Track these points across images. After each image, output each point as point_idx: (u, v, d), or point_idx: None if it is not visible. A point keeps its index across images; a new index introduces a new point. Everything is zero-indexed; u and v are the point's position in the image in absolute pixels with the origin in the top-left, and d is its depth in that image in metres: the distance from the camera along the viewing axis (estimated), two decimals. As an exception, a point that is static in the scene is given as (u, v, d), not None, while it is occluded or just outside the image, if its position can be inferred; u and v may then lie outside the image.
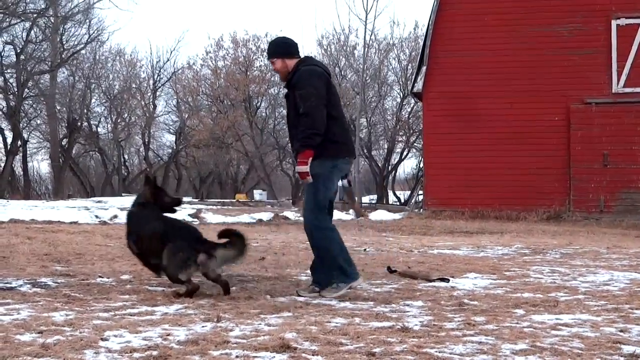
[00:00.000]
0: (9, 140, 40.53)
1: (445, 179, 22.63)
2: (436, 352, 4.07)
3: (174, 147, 49.80)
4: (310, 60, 6.58)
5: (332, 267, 6.23)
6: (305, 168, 6.08)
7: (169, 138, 51.77)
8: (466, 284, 6.95)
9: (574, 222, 20.35)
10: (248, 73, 43.48)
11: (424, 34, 25.44)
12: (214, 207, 25.18)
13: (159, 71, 48.89)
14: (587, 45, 21.95)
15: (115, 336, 4.37)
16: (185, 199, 36.36)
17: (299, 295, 6.11)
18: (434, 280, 7.04)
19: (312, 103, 6.12)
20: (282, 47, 6.53)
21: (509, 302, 5.85)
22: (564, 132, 22.00)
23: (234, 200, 34.35)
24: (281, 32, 61.84)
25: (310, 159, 6.09)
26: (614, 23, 21.83)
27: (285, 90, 6.57)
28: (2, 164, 41.81)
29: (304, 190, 6.35)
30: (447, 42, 22.78)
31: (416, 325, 4.81)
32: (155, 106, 49.30)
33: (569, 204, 21.74)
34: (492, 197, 21.79)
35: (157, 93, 49.33)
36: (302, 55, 6.58)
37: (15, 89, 38.64)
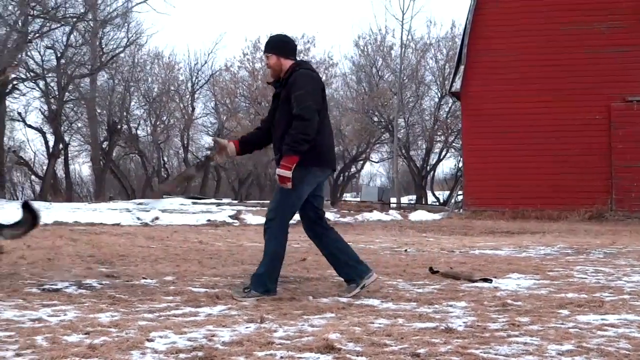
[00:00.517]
0: (51, 144, 41.00)
1: (485, 178, 22.51)
2: (481, 353, 4.05)
3: (213, 149, 50.00)
4: (307, 65, 6.47)
5: (262, 267, 6.12)
6: (288, 173, 5.89)
7: (208, 140, 51.96)
8: (509, 284, 6.90)
9: (617, 221, 20.13)
10: (286, 74, 43.56)
11: (461, 33, 25.33)
12: (254, 209, 25.23)
13: (197, 74, 49.12)
14: (626, 43, 21.71)
15: (161, 337, 4.41)
16: (224, 200, 36.54)
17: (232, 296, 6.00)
18: (476, 281, 7.00)
19: (308, 107, 5.96)
20: (280, 45, 6.35)
21: (553, 302, 5.80)
22: (604, 131, 21.78)
23: (273, 202, 34.39)
24: (318, 34, 62.09)
25: (294, 164, 5.91)
26: (656, 20, 21.58)
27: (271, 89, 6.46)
28: (45, 167, 42.32)
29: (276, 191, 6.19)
30: (485, 41, 22.67)
31: (460, 326, 4.79)
32: (193, 108, 49.53)
33: (611, 203, 21.51)
34: (532, 196, 21.63)
35: (195, 95, 49.55)
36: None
37: (56, 93, 39.07)
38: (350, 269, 6.26)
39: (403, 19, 33.01)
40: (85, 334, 4.48)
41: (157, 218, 17.41)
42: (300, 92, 5.99)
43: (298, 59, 6.41)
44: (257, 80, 44.56)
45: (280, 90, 6.20)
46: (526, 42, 22.39)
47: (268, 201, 33.91)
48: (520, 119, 22.14)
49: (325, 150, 6.19)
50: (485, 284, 6.86)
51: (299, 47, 43.32)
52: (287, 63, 6.26)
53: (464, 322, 4.91)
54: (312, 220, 6.33)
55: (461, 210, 23.80)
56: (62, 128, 41.01)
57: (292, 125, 5.94)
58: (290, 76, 6.14)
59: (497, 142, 22.38)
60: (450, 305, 5.64)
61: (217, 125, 49.12)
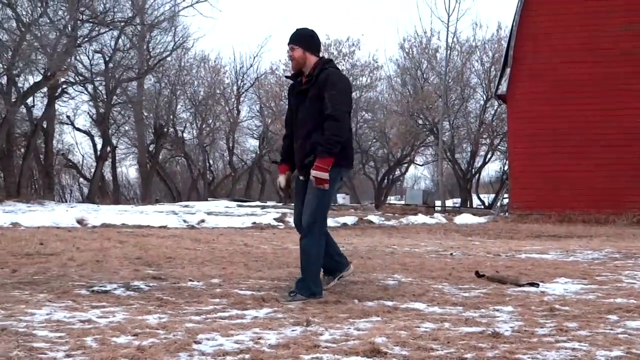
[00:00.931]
0: (99, 147, 41.52)
1: (531, 182, 22.33)
2: (529, 358, 4.02)
3: (258, 152, 50.24)
4: (335, 64, 6.40)
5: (307, 273, 6.15)
6: (326, 175, 5.93)
7: (253, 143, 52.22)
8: (556, 289, 6.83)
9: (666, 225, 19.81)
10: (330, 77, 43.60)
11: (508, 35, 25.15)
12: (298, 211, 25.30)
13: (243, 77, 49.40)
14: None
15: (208, 339, 4.44)
16: (269, 203, 36.66)
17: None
18: (523, 285, 6.94)
19: (342, 108, 5.99)
20: (308, 39, 6.31)
21: (602, 307, 5.73)
22: (654, 133, 21.47)
23: (318, 204, 34.47)
24: (363, 37, 62.02)
25: (330, 166, 5.94)
26: None
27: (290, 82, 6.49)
28: (93, 170, 42.87)
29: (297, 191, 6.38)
30: (531, 43, 22.49)
31: (507, 330, 4.76)
32: (239, 111, 49.81)
33: (659, 207, 21.17)
34: (579, 200, 21.38)
35: (241, 98, 49.85)
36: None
37: (104, 96, 39.56)
38: (335, 263, 6.56)
39: (449, 21, 32.87)
40: (134, 335, 4.53)
41: (203, 221, 17.53)
42: (334, 92, 5.99)
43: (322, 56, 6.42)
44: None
45: (308, 86, 6.16)
46: (574, 44, 22.16)
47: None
48: (567, 122, 21.92)
49: (351, 149, 6.26)
50: (532, 289, 6.80)
51: (344, 50, 43.44)
52: (312, 58, 6.25)
53: (510, 327, 4.88)
54: None
55: (507, 214, 23.61)
56: (110, 131, 41.52)
57: (325, 126, 5.95)
58: (320, 73, 6.11)
59: (544, 145, 22.17)
60: (497, 310, 5.60)
61: (262, 128, 49.34)
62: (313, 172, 5.94)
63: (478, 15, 75.10)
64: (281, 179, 6.53)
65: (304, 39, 6.28)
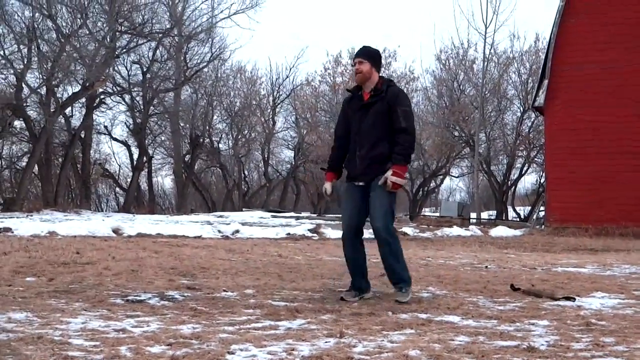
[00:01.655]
0: (135, 157, 41.90)
1: (568, 194, 22.11)
2: (564, 373, 3.98)
3: (293, 163, 50.35)
4: (395, 83, 6.89)
5: (401, 268, 6.70)
6: (403, 181, 6.55)
7: (288, 154, 52.38)
8: (593, 303, 6.75)
9: None
10: (366, 88, 43.60)
11: (545, 47, 24.99)
12: (333, 223, 25.30)
13: (278, 88, 49.58)
14: None
15: (241, 350, 4.45)
16: (303, 214, 36.70)
17: (399, 302, 6.49)
18: (559, 299, 6.87)
19: (413, 123, 6.60)
20: (376, 57, 6.81)
21: (639, 322, 5.65)
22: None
23: (352, 216, 34.41)
24: (399, 48, 62.01)
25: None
26: None
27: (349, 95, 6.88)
28: (129, 180, 43.25)
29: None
30: (570, 55, 22.31)
31: (542, 345, 4.71)
32: (274, 122, 49.99)
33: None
34: (617, 213, 21.12)
35: (277, 109, 50.02)
36: None
37: (142, 107, 39.93)
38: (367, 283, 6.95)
39: (486, 32, 32.73)
40: (168, 345, 4.55)
41: (237, 231, 17.59)
42: (406, 108, 6.58)
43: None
44: (338, 94, 44.69)
45: (375, 100, 6.59)
46: (612, 55, 21.95)
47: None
48: (606, 134, 21.70)
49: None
50: (568, 303, 6.72)
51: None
52: (375, 75, 6.71)
53: (546, 341, 4.82)
54: (360, 229, 6.85)
55: (543, 227, 23.41)
56: (146, 141, 41.88)
57: (400, 139, 6.50)
58: (387, 89, 6.60)
59: (581, 158, 21.97)
60: (532, 324, 5.55)
61: (297, 139, 49.44)
62: (392, 178, 6.46)
63: (515, 27, 74.55)
64: (327, 186, 7.07)
65: (373, 56, 6.77)
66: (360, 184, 6.69)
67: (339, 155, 6.95)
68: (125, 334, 4.88)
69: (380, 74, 6.80)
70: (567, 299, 6.88)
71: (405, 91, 6.81)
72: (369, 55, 6.74)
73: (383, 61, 37.51)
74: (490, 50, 35.57)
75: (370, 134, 6.57)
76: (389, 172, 6.47)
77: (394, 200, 6.67)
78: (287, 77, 49.44)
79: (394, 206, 6.69)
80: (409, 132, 6.51)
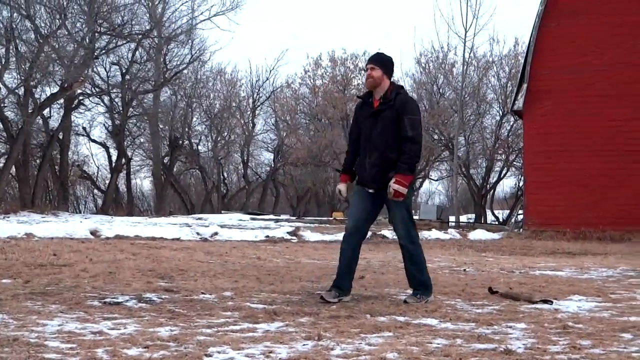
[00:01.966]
0: (114, 158, 41.72)
1: (546, 198, 22.23)
2: (541, 376, 3.99)
3: (272, 165, 50.33)
4: (405, 90, 6.91)
5: (423, 271, 6.84)
6: (405, 190, 6.55)
7: (267, 156, 52.36)
8: (570, 306, 6.79)
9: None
10: (346, 91, 43.66)
11: (525, 51, 25.12)
12: (312, 225, 25.31)
13: (258, 90, 49.56)
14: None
15: (219, 352, 4.43)
16: (282, 216, 36.68)
17: (406, 302, 6.69)
18: (536, 302, 6.90)
19: (420, 132, 6.65)
20: (387, 63, 6.87)
21: (616, 325, 5.68)
22: (670, 151, 21.33)
23: (331, 219, 34.44)
24: (379, 50, 62.05)
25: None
26: None
27: (359, 101, 7.03)
28: (107, 181, 43.04)
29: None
30: (549, 59, 22.42)
31: (519, 347, 4.72)
32: (254, 125, 49.96)
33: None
34: (594, 217, 21.24)
35: (256, 112, 49.99)
36: None
37: (121, 108, 39.78)
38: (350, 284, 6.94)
39: (466, 36, 32.81)
40: (145, 347, 4.53)
41: (216, 233, 17.54)
42: (414, 116, 6.66)
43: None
44: (318, 97, 44.73)
45: (384, 108, 6.69)
46: (590, 60, 22.09)
47: (326, 218, 33.82)
48: (584, 138, 21.83)
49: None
50: (546, 306, 6.75)
51: (360, 65, 43.49)
52: (386, 82, 6.81)
53: (523, 344, 4.84)
54: (363, 232, 6.97)
55: (521, 230, 23.52)
56: (125, 143, 41.71)
57: (407, 148, 6.59)
58: (396, 97, 6.68)
59: (559, 161, 22.08)
60: (510, 327, 5.57)
61: (277, 142, 49.42)
62: (394, 186, 6.54)
63: (495, 31, 74.80)
64: (342, 187, 7.13)
65: (385, 63, 6.87)
66: (370, 190, 6.79)
67: (353, 158, 7.05)
68: (102, 337, 4.85)
69: (390, 79, 6.90)
70: (545, 302, 6.91)
71: (412, 98, 6.90)
72: (382, 62, 6.84)
73: (363, 64, 37.71)
74: (469, 54, 35.69)
75: (380, 141, 6.68)
76: (392, 181, 6.56)
77: (409, 209, 6.81)
78: (267, 79, 49.46)
79: (410, 212, 6.84)
80: (415, 141, 6.60)
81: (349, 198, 7.26)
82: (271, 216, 36.26)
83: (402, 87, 6.92)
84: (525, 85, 22.86)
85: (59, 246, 12.28)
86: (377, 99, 6.81)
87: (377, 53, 7.02)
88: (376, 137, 6.69)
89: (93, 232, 16.15)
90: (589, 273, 10.57)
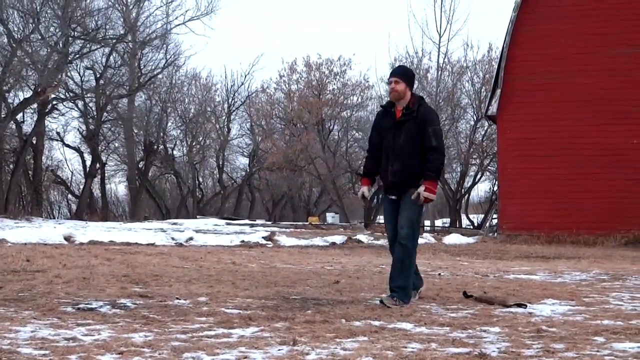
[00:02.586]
0: (88, 163, 41.45)
1: (520, 202, 22.33)
2: (515, 379, 4.01)
3: (248, 170, 50.23)
4: (425, 101, 7.36)
5: (408, 277, 7.06)
6: (434, 196, 7.07)
7: (243, 161, 52.25)
8: (544, 310, 6.83)
9: (655, 247, 19.83)
10: (321, 96, 43.64)
11: (499, 56, 25.25)
12: (287, 230, 25.29)
13: (234, 95, 49.43)
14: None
15: (193, 358, 4.43)
16: (258, 221, 36.61)
17: (382, 302, 6.88)
18: (510, 306, 6.94)
19: (442, 142, 7.12)
20: (411, 77, 7.34)
21: (589, 329, 5.73)
22: (645, 155, 21.51)
23: (307, 223, 34.43)
24: (354, 56, 62.29)
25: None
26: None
27: (382, 111, 7.43)
28: (82, 186, 42.75)
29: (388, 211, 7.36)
30: (522, 65, 22.56)
31: (494, 351, 4.75)
32: (229, 129, 49.82)
33: (648, 228, 21.18)
34: (568, 221, 21.37)
35: (232, 116, 49.88)
36: None
37: (95, 113, 39.54)
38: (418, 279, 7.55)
39: (440, 42, 32.97)
40: (119, 353, 4.51)
41: (191, 238, 17.47)
42: (437, 127, 7.12)
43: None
44: (293, 102, 44.70)
45: (407, 119, 7.08)
46: (564, 66, 22.23)
47: (301, 222, 33.66)
48: (557, 143, 21.96)
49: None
50: (520, 310, 6.80)
51: (335, 70, 43.56)
52: (409, 94, 7.18)
53: (497, 348, 4.87)
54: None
55: (496, 234, 23.62)
56: (100, 148, 41.47)
57: (432, 157, 6.99)
58: (419, 108, 7.08)
59: (533, 166, 22.20)
60: (484, 331, 5.60)
61: (252, 146, 49.35)
62: (424, 193, 6.97)
63: (469, 36, 75.12)
64: (365, 190, 7.60)
65: (408, 76, 7.29)
66: (393, 197, 7.23)
67: (373, 163, 7.46)
68: (75, 343, 4.82)
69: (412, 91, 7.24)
70: (519, 305, 6.95)
71: (433, 109, 7.35)
72: (405, 76, 7.24)
73: (338, 69, 37.61)
74: (444, 59, 35.87)
75: (403, 151, 7.07)
76: (422, 188, 6.96)
77: (420, 213, 7.26)
78: (242, 84, 49.35)
79: (419, 218, 7.33)
80: (440, 151, 7.03)
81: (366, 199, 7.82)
82: (247, 221, 36.18)
83: (422, 98, 7.33)
84: (499, 91, 22.96)
85: (33, 252, 12.19)
86: (399, 109, 7.18)
87: (400, 66, 7.56)
88: (399, 147, 7.09)
89: (67, 238, 16.04)
90: (563, 277, 10.64)
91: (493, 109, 23.19)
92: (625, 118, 21.58)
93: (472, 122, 41.14)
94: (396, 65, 7.29)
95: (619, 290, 8.58)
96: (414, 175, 7.05)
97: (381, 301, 6.92)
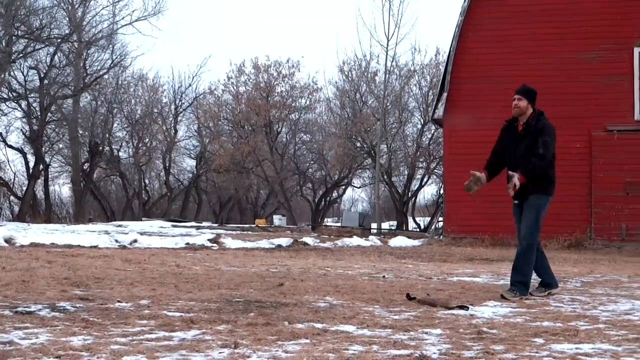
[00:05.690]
0: (32, 164, 40.84)
1: (465, 205, 22.51)
2: (454, 381, 4.03)
3: (195, 172, 49.98)
4: (545, 116, 8.17)
5: (526, 274, 8.02)
6: (518, 183, 7.84)
7: (190, 163, 51.99)
8: (485, 312, 6.90)
9: (595, 250, 20.19)
10: (269, 98, 43.67)
11: (445, 60, 25.47)
12: (234, 232, 25.20)
13: (181, 96, 49.19)
14: (609, 73, 21.84)
15: (132, 361, 4.37)
16: (204, 223, 36.43)
17: (503, 297, 7.83)
18: (453, 308, 6.99)
19: (550, 153, 7.88)
20: (532, 95, 8.24)
21: (529, 330, 5.80)
22: (585, 160, 21.87)
23: (254, 226, 34.36)
24: (303, 58, 62.30)
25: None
26: (636, 50, 21.74)
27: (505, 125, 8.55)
28: (24, 188, 42.10)
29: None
30: (468, 69, 22.79)
31: (434, 353, 4.78)
32: (176, 131, 49.54)
33: (590, 232, 21.58)
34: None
35: (179, 118, 49.59)
36: None
37: (38, 113, 38.99)
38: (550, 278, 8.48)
39: (388, 45, 33.08)
40: (57, 357, 4.44)
41: (135, 241, 17.29)
42: (547, 139, 7.89)
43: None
44: (241, 103, 44.63)
45: (526, 132, 8.04)
46: (509, 70, 22.48)
47: (248, 225, 33.59)
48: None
49: (554, 181, 8.17)
50: (462, 312, 6.85)
51: (284, 72, 43.59)
52: (529, 110, 8.16)
53: (438, 350, 4.89)
54: None
55: (441, 237, 23.82)
56: (43, 149, 40.88)
57: (535, 160, 7.86)
58: (537, 123, 8.00)
59: (478, 170, 22.43)
60: (426, 333, 5.62)
61: (199, 148, 49.11)
62: (514, 179, 7.85)
63: (417, 40, 75.76)
64: (480, 175, 8.55)
65: (530, 95, 8.23)
66: (516, 202, 8.31)
67: (493, 164, 8.58)
68: (12, 347, 4.73)
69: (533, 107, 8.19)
70: (461, 307, 7.01)
71: (550, 123, 8.07)
72: (527, 94, 8.19)
73: (286, 71, 37.72)
74: (392, 62, 36.08)
75: (521, 161, 7.96)
76: (516, 177, 7.83)
77: (540, 216, 8.14)
78: (190, 85, 49.12)
79: (539, 221, 8.16)
80: (542, 158, 7.84)
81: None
82: (193, 223, 35.99)
83: (542, 113, 8.19)
84: (445, 94, 23.17)
85: (-28, 254, 11.94)
86: (521, 124, 8.16)
87: (524, 85, 8.31)
88: (519, 158, 8.00)
89: (7, 240, 15.76)
90: (505, 279, 10.74)
91: (439, 112, 23.40)
92: (567, 123, 21.87)
93: (419, 126, 41.54)
94: (519, 86, 8.12)
95: (560, 293, 8.70)
96: (532, 184, 7.90)
97: (502, 295, 7.79)
